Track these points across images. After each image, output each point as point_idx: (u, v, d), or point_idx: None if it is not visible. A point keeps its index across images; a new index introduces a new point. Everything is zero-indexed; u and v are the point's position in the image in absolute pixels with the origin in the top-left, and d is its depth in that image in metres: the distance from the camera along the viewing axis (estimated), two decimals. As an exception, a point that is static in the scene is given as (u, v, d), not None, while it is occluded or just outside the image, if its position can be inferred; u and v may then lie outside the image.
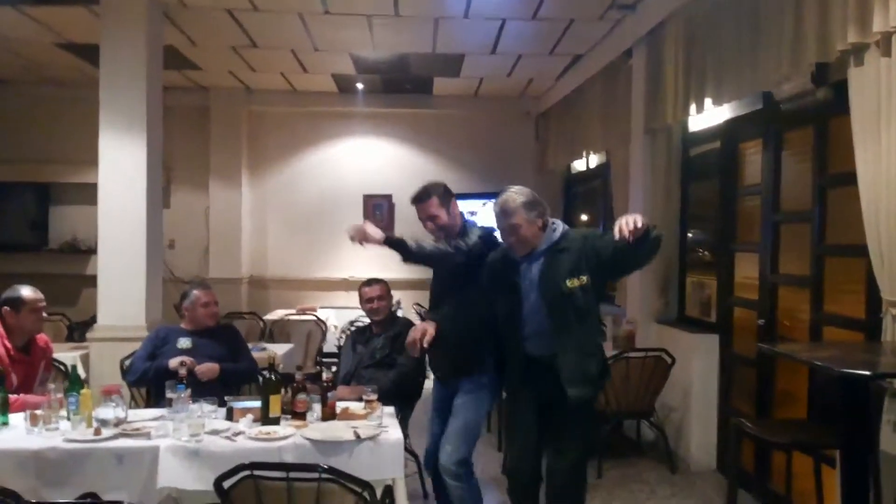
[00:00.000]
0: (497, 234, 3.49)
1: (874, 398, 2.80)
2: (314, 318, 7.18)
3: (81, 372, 4.71)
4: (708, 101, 4.69)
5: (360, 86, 8.75)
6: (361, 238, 3.45)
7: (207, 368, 4.00)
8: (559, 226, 3.35)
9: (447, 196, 3.76)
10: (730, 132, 5.08)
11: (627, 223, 2.91)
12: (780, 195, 4.49)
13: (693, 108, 4.88)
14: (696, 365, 5.07)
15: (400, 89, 8.87)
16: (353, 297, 8.82)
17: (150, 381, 4.11)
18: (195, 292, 4.30)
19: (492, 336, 3.46)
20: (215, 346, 4.22)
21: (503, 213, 3.28)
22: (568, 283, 3.16)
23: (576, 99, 7.69)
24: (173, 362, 3.93)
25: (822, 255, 4.02)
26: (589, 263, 3.18)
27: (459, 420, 3.50)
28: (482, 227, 3.73)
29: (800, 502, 3.53)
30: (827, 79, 3.89)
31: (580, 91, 7.51)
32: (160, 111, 5.70)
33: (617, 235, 2.93)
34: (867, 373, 2.39)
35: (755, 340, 4.66)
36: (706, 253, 5.68)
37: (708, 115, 5.03)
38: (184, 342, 4.13)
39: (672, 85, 5.14)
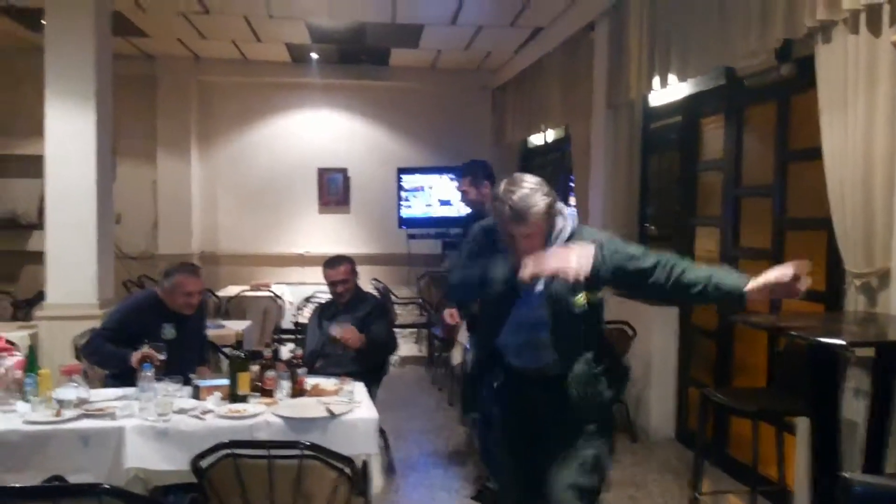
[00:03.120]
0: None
1: (841, 367, 2.88)
2: (270, 294, 7.06)
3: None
4: (672, 77, 4.72)
5: (314, 56, 8.55)
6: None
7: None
8: (568, 218, 2.61)
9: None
10: (691, 107, 5.13)
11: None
12: (742, 170, 4.57)
13: (657, 82, 4.90)
14: (656, 337, 5.15)
15: (355, 60, 8.70)
16: (308, 273, 8.84)
17: (107, 367, 3.75)
18: (179, 277, 3.74)
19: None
20: (196, 329, 3.97)
21: (520, 217, 2.44)
22: (580, 298, 2.48)
23: (534, 73, 7.66)
24: (136, 358, 3.39)
25: (782, 228, 4.11)
26: (605, 275, 2.48)
27: None
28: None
29: (760, 468, 3.63)
30: (790, 55, 3.95)
31: (539, 65, 7.48)
32: (109, 78, 5.45)
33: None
34: (843, 342, 2.45)
35: (714, 312, 4.76)
36: (665, 227, 5.75)
37: (669, 90, 5.06)
38: (168, 331, 3.72)
39: (636, 59, 5.15)
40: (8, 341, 3.71)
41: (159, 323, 3.72)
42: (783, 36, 3.59)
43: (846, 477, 1.63)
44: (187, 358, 3.70)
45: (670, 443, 5.08)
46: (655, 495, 4.16)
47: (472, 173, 4.33)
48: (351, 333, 4.07)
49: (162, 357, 3.37)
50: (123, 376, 3.52)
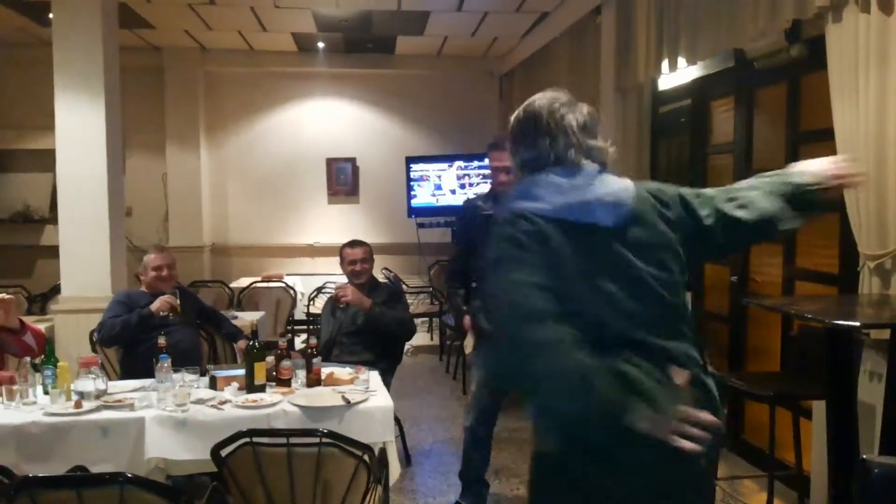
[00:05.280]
0: None
1: (856, 349, 2.88)
2: (283, 285, 7.09)
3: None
4: (681, 60, 4.69)
5: (320, 45, 8.54)
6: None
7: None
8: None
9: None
10: (701, 90, 5.10)
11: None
12: (753, 153, 4.54)
13: (665, 66, 4.88)
14: (668, 322, 5.13)
15: (362, 49, 8.68)
16: (318, 264, 8.87)
17: (125, 336, 3.89)
18: (148, 257, 4.13)
19: None
20: (188, 311, 4.13)
21: None
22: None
23: (541, 58, 7.63)
24: (155, 305, 3.86)
25: (795, 211, 4.09)
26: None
27: None
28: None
29: (777, 453, 3.63)
30: (800, 36, 3.92)
31: (546, 50, 7.45)
32: (117, 71, 5.47)
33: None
34: (857, 324, 2.45)
35: (727, 297, 4.76)
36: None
37: (678, 74, 5.03)
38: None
39: (643, 43, 5.12)
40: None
41: (146, 304, 3.94)
42: (793, 16, 3.56)
43: (865, 459, 1.63)
44: (183, 337, 3.95)
45: (684, 427, 5.07)
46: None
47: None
48: (350, 289, 4.15)
49: (177, 302, 3.90)
50: (139, 369, 3.58)
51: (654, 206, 1.77)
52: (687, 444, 1.47)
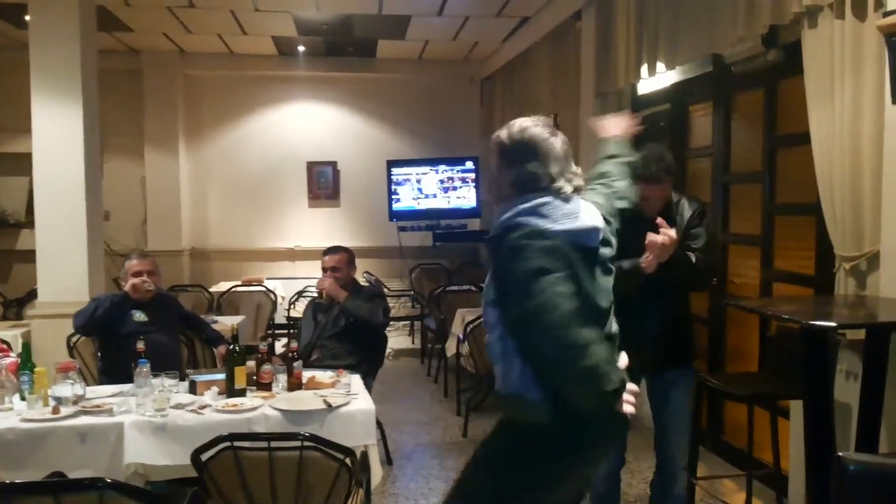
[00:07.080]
0: None
1: (832, 349, 2.92)
2: (263, 288, 7.05)
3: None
4: (660, 65, 4.73)
5: (301, 48, 8.52)
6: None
7: None
8: None
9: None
10: (679, 95, 5.15)
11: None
12: (731, 156, 4.60)
13: (645, 70, 4.92)
14: (649, 324, 5.17)
15: (342, 52, 8.67)
16: (299, 268, 8.84)
17: (99, 319, 3.87)
18: (128, 262, 4.11)
19: None
20: (168, 316, 4.11)
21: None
22: None
23: (522, 63, 7.67)
24: (128, 286, 3.91)
25: (772, 214, 4.15)
26: None
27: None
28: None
29: (755, 452, 3.67)
30: (777, 41, 3.97)
31: (526, 55, 7.48)
32: (95, 74, 5.42)
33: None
34: (833, 325, 2.48)
35: (706, 299, 4.80)
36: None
37: (657, 78, 5.07)
38: (138, 315, 3.95)
39: (623, 48, 5.17)
40: (2, 340, 3.72)
41: (129, 309, 3.95)
42: (770, 22, 3.61)
43: (841, 456, 1.65)
44: (163, 342, 3.91)
45: (664, 428, 5.11)
46: (650, 481, 4.20)
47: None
48: (328, 282, 4.20)
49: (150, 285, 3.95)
50: (118, 374, 3.56)
51: (605, 226, 2.07)
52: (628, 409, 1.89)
